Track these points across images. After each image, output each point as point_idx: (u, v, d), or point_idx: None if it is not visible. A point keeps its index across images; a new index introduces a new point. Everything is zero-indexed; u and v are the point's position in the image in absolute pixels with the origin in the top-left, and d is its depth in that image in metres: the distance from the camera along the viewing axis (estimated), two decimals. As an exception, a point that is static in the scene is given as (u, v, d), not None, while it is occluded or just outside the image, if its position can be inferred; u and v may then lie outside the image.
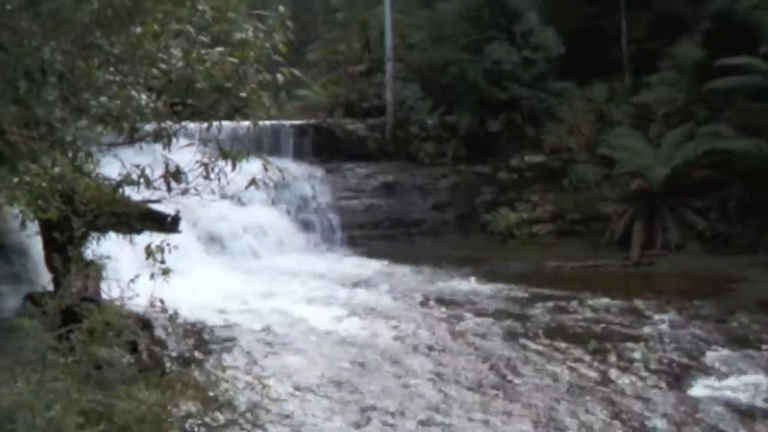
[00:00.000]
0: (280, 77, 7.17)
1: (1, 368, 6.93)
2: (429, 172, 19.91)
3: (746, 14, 15.40)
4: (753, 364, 10.94)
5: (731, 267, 14.61)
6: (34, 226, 8.80)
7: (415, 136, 19.66)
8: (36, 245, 10.14)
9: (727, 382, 10.40)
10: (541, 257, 16.87)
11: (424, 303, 14.33)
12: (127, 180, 7.82)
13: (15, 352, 7.57)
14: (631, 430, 9.01)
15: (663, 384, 10.38)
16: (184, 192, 8.20)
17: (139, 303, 9.59)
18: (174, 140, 7.76)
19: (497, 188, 19.27)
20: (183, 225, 10.88)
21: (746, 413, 9.38)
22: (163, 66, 7.35)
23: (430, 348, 11.78)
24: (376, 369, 10.86)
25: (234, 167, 7.71)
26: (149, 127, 8.03)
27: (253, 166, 7.37)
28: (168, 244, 8.07)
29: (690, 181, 16.04)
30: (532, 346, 11.87)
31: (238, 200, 13.65)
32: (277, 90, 8.40)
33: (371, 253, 17.86)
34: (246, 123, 8.61)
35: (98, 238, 9.71)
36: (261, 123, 10.40)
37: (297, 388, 10.00)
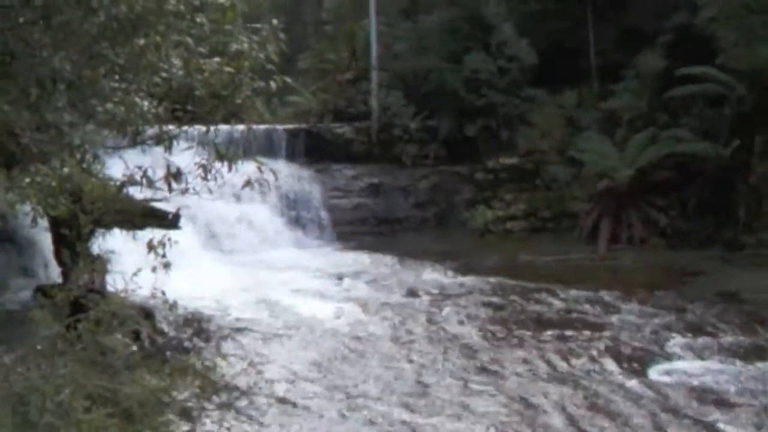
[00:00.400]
0: (273, 84, 7.21)
1: (14, 356, 6.94)
2: (411, 173, 19.94)
3: (703, 28, 15.49)
4: (711, 351, 11.04)
5: (690, 260, 14.72)
6: (44, 223, 8.78)
7: (399, 138, 19.69)
8: (46, 241, 10.10)
9: (687, 367, 10.51)
10: (516, 252, 16.91)
11: (406, 294, 14.36)
12: (131, 180, 7.83)
13: (26, 340, 7.58)
14: (599, 410, 9.09)
15: (627, 368, 10.47)
16: (184, 192, 8.22)
17: (141, 295, 9.59)
18: (175, 143, 7.78)
19: (475, 188, 19.31)
20: (182, 221, 10.87)
21: (704, 395, 9.47)
22: (164, 74, 7.35)
23: (412, 336, 11.82)
24: (361, 356, 10.91)
25: (230, 168, 7.75)
26: (151, 131, 8.03)
27: (248, 167, 7.39)
28: (169, 239, 8.06)
29: (653, 181, 16.12)
30: (507, 333, 11.93)
31: (235, 198, 13.64)
32: (269, 96, 8.44)
33: (358, 248, 17.85)
34: (241, 127, 8.64)
35: (104, 235, 9.68)
36: (255, 126, 10.41)
37: (288, 373, 10.02)
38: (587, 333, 11.84)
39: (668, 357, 10.90)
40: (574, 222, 16.52)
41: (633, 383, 9.92)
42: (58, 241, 9.80)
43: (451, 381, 9.99)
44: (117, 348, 9.27)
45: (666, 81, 16.21)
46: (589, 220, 16.22)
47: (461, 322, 12.44)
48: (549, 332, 11.94)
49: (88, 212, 8.46)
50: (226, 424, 8.71)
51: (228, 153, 7.74)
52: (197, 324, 10.77)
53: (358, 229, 18.71)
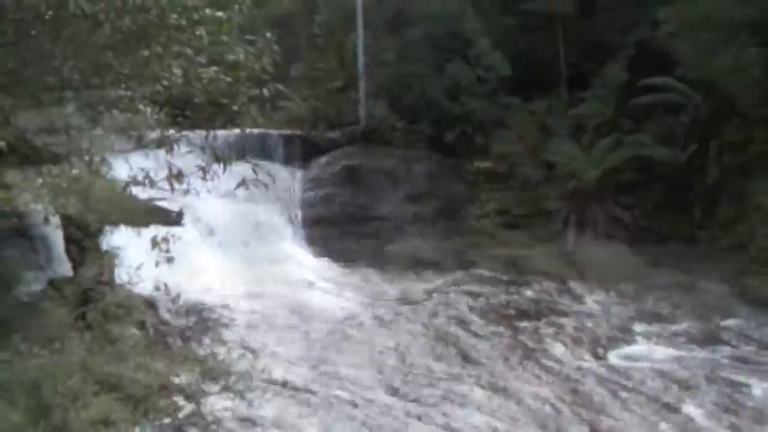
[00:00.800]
0: (266, 91, 7.21)
1: (28, 343, 6.93)
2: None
3: (663, 42, 15.58)
4: (669, 337, 11.15)
5: (650, 255, 14.81)
6: (56, 221, 8.78)
7: (385, 131, 19.34)
8: (57, 237, 10.07)
9: (648, 351, 10.63)
10: (491, 246, 16.90)
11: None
12: (135, 181, 7.82)
13: (39, 329, 7.57)
14: (566, 391, 9.22)
15: (592, 352, 10.58)
16: (186, 192, 8.23)
17: (146, 287, 9.59)
18: (176, 147, 7.78)
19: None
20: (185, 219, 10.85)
21: (663, 377, 9.59)
22: (165, 83, 7.34)
23: (394, 325, 11.82)
24: (350, 343, 10.94)
25: (224, 169, 7.80)
26: (154, 135, 8.02)
27: (244, 169, 7.43)
28: (172, 235, 8.03)
29: (617, 182, 16.20)
30: (482, 321, 11.99)
31: (233, 197, 13.50)
32: (263, 102, 8.44)
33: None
34: (236, 131, 8.65)
35: (111, 231, 9.65)
36: (249, 131, 10.27)
37: (283, 360, 10.03)
38: (556, 320, 11.92)
39: (630, 342, 11.00)
40: (545, 219, 16.55)
41: (599, 366, 10.01)
42: (69, 237, 9.78)
43: (433, 365, 10.06)
44: (123, 336, 9.27)
45: (629, 90, 16.29)
46: (559, 218, 16.27)
47: (439, 312, 12.51)
48: (521, 320, 12.01)
49: (95, 211, 8.46)
50: (225, 406, 8.68)
51: (224, 155, 7.78)
52: (198, 314, 10.76)
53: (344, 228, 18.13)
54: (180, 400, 8.24)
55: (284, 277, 13.99)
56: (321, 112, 20.45)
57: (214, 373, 9.31)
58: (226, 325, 10.95)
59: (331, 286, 14.04)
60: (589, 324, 11.73)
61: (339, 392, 9.07)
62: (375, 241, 16.34)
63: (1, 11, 6.27)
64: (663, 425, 8.28)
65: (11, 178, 7.78)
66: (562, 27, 18.42)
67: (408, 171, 18.16)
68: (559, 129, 17.64)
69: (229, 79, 7.21)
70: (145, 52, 6.89)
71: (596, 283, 13.79)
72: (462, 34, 19.11)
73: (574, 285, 13.87)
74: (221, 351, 9.76)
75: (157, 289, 9.08)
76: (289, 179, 17.58)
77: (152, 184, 7.72)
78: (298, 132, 19.53)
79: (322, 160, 18.33)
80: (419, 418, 8.45)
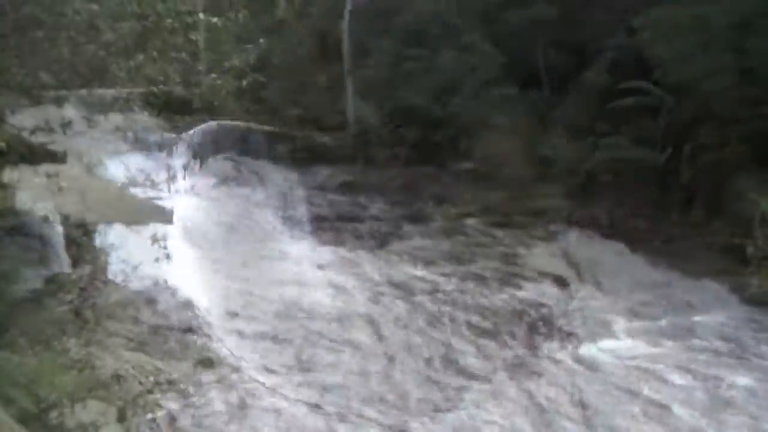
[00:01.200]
0: (245, 83, 7.11)
1: (28, 339, 6.81)
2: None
3: (642, 47, 15.59)
4: (648, 332, 11.10)
5: (627, 250, 14.77)
6: (55, 219, 8.66)
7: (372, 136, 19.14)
8: (57, 235, 9.93)
9: (625, 346, 10.62)
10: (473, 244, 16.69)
11: (378, 282, 13.83)
12: (132, 181, 7.72)
13: (38, 325, 7.43)
14: (543, 382, 9.28)
15: (570, 346, 10.56)
16: (183, 191, 8.11)
17: (144, 284, 9.48)
18: (174, 150, 7.71)
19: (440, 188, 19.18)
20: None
21: (639, 370, 9.64)
22: (162, 86, 7.24)
23: (375, 317, 11.51)
24: (333, 338, 10.65)
25: (201, 166, 7.70)
26: (153, 137, 7.95)
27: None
28: (168, 234, 7.98)
29: (595, 183, 16.18)
30: (465, 314, 11.80)
31: (226, 194, 13.30)
32: (242, 93, 8.33)
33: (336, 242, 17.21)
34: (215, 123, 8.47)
35: (107, 229, 9.53)
36: (230, 124, 10.09)
37: (272, 353, 9.89)
38: (535, 314, 11.86)
39: (611, 337, 10.96)
40: (528, 218, 16.48)
41: (577, 360, 10.03)
42: (68, 235, 9.66)
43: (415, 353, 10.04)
44: (119, 332, 9.14)
45: (608, 94, 16.30)
46: (558, 216, 16.15)
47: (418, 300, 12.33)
48: (502, 315, 11.86)
49: (93, 209, 8.35)
50: (219, 397, 8.57)
51: (200, 152, 7.66)
52: (193, 308, 10.59)
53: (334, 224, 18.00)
54: (174, 392, 8.16)
55: (274, 274, 13.73)
56: (309, 114, 20.05)
57: (208, 364, 9.26)
58: (219, 319, 10.57)
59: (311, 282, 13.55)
60: (570, 316, 11.65)
61: (326, 384, 9.00)
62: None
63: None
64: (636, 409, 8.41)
65: (8, 177, 7.63)
66: (543, 33, 18.38)
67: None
68: (540, 131, 17.55)
69: (229, 89, 7.14)
70: (141, 56, 6.78)
71: (578, 279, 13.57)
72: (453, 25, 18.94)
73: (555, 279, 13.52)
74: (213, 345, 9.68)
75: (155, 284, 9.03)
76: (281, 180, 17.33)
77: (153, 185, 7.66)
78: (286, 131, 19.12)
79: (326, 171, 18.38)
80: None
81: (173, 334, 9.32)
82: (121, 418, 6.22)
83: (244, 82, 6.93)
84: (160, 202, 11.58)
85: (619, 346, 10.63)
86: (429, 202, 17.67)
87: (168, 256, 7.87)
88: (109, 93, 7.36)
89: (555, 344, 10.67)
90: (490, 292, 12.82)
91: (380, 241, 15.51)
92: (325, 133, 19.38)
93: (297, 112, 19.71)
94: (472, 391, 9.06)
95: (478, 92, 18.35)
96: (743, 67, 14.14)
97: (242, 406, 8.14)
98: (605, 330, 11.24)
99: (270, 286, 12.22)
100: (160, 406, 7.24)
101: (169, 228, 10.32)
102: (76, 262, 9.14)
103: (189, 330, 9.50)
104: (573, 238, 15.19)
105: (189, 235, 12.19)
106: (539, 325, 11.43)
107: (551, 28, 18.28)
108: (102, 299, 8.99)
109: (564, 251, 14.62)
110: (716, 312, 11.73)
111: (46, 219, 8.28)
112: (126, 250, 9.15)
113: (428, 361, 9.93)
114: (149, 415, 7.14)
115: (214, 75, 6.89)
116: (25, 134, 7.50)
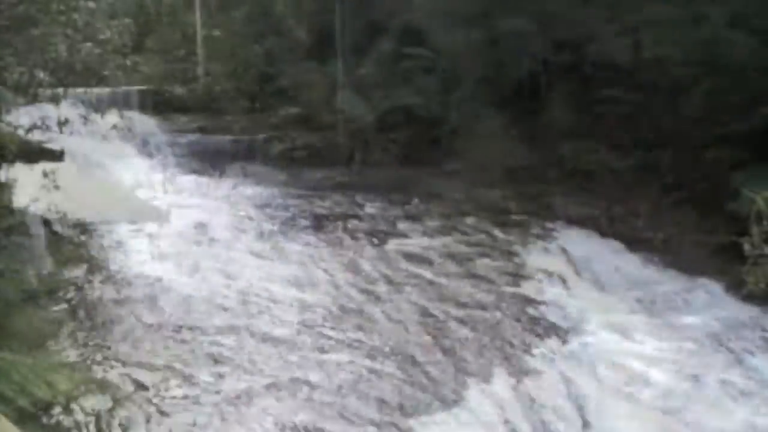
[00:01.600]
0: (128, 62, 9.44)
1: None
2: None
3: (420, 23, 19.28)
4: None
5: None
6: (51, 217, 9.82)
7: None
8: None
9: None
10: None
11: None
12: (34, 127, 9.67)
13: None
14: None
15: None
16: (71, 134, 10.28)
17: (41, 208, 11.00)
18: (63, 101, 9.76)
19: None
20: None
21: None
22: (53, 55, 9.25)
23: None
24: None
25: (102, 117, 9.94)
26: (47, 93, 9.88)
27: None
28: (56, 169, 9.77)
29: (388, 123, 18.94)
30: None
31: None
32: (126, 68, 10.44)
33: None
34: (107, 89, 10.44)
35: (8, 167, 11.09)
36: (118, 89, 12.26)
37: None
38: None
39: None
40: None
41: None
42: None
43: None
44: (25, 245, 10.84)
45: (396, 57, 19.84)
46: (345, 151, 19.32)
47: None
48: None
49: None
50: (106, 291, 9.69)
51: (101, 107, 9.95)
52: (82, 227, 11.57)
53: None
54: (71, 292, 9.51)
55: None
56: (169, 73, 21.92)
57: (97, 267, 11.16)
58: (104, 234, 11.63)
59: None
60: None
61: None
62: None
63: None
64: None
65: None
66: (342, 9, 21.45)
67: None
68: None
69: (100, 51, 9.34)
70: (35, 32, 8.78)
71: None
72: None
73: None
74: (103, 255, 10.85)
75: (49, 210, 10.07)
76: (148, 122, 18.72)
77: (47, 128, 9.68)
78: (151, 87, 21.17)
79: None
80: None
81: (68, 245, 10.87)
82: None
83: (128, 62, 8.13)
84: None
85: (616, 342, 10.17)
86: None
87: (57, 187, 8.75)
88: (13, 60, 9.10)
89: (551, 341, 9.92)
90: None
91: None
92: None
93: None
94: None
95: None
96: (491, 38, 18.29)
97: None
98: (602, 327, 10.54)
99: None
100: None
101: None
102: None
103: (79, 243, 11.39)
104: (571, 237, 14.41)
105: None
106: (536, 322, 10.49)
107: (348, 6, 21.44)
108: (8, 221, 9.52)
109: (562, 249, 13.73)
110: (712, 310, 11.30)
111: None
112: (25, 183, 9.58)
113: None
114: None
115: (90, 44, 8.10)
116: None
